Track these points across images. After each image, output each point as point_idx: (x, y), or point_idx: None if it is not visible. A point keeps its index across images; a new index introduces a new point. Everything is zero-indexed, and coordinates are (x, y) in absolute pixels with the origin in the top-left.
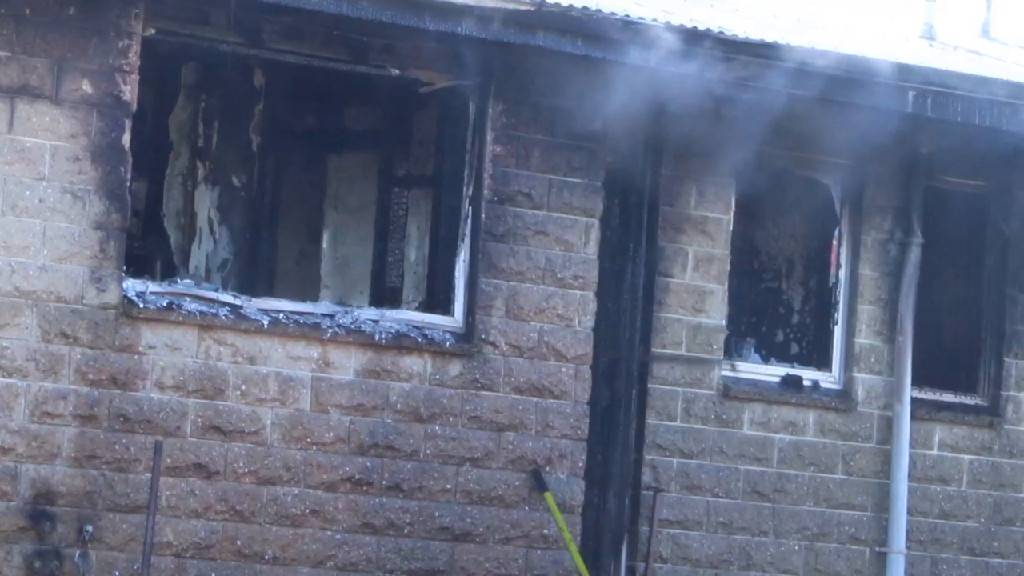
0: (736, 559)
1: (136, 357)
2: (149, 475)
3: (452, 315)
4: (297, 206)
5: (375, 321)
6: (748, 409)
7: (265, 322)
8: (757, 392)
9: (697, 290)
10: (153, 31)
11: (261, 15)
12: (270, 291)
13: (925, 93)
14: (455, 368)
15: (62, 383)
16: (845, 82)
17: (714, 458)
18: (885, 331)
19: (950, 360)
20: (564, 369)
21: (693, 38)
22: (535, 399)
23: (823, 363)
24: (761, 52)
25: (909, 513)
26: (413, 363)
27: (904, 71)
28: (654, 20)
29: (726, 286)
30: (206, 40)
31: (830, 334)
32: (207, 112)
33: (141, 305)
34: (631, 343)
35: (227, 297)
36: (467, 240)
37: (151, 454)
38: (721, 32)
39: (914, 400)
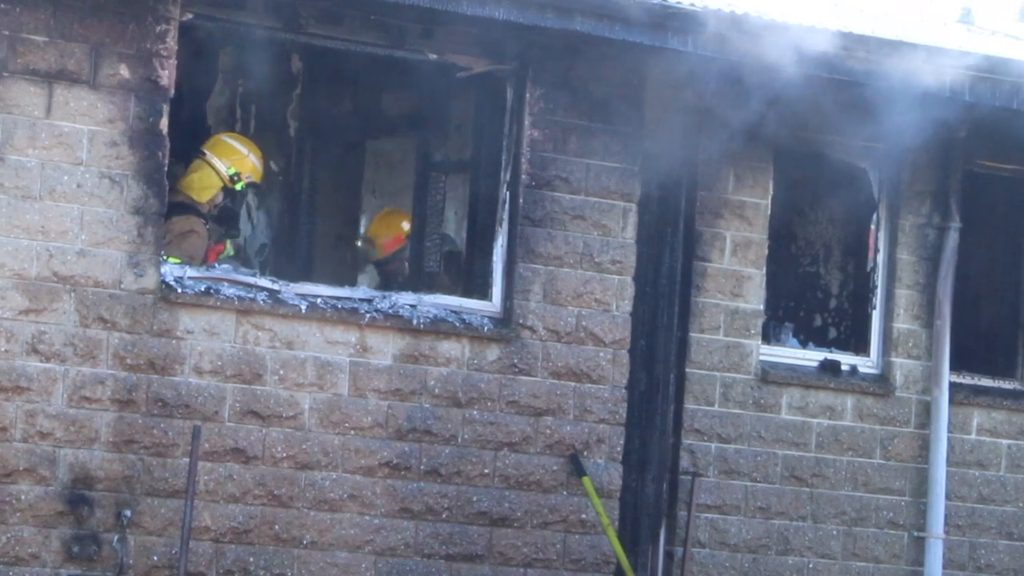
0: (774, 544)
1: (174, 342)
2: (187, 460)
3: (490, 300)
4: (335, 191)
5: (413, 306)
6: (786, 394)
7: (303, 307)
8: (795, 377)
9: (735, 275)
10: (191, 16)
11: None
12: (308, 276)
13: (963, 77)
14: (493, 353)
15: (100, 368)
16: (883, 66)
17: (752, 443)
18: (923, 316)
19: (988, 345)
20: (602, 354)
21: (731, 23)
22: (573, 384)
23: (861, 348)
24: (800, 36)
25: (947, 498)
26: (451, 348)
27: (942, 55)
28: (692, 5)
29: (764, 271)
30: (244, 25)
31: (868, 319)
32: (245, 97)
33: (179, 290)
34: (669, 328)
35: (265, 282)
36: (505, 225)
37: (189, 439)
38: (759, 16)
39: (952, 385)
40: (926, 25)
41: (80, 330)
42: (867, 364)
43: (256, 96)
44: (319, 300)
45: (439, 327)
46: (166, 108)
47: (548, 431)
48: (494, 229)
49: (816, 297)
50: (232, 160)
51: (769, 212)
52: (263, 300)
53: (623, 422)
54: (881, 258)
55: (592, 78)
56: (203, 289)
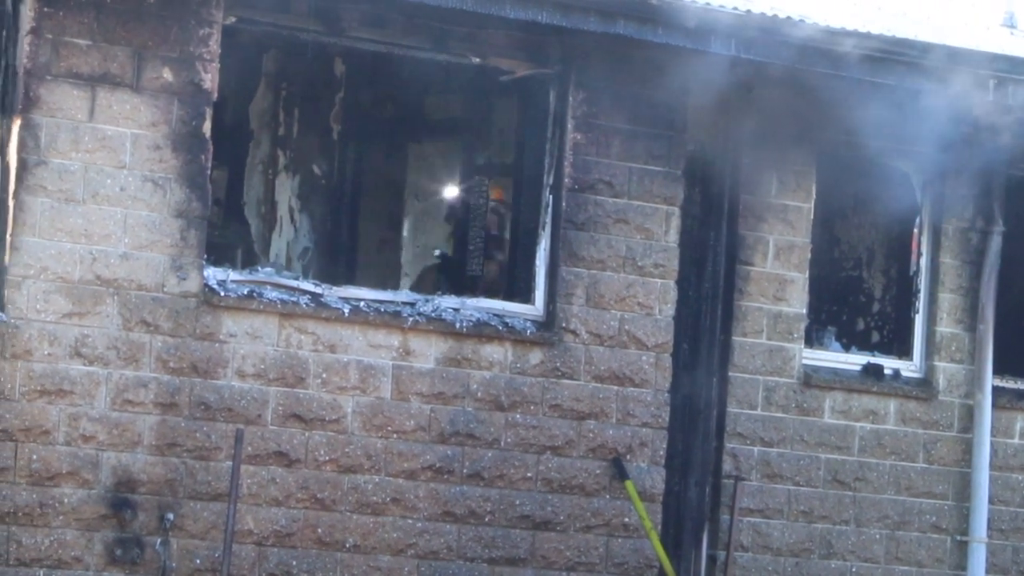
0: (817, 548)
1: (217, 345)
2: (230, 463)
3: (533, 303)
4: (377, 194)
5: (456, 309)
6: (829, 397)
7: (346, 310)
8: (838, 380)
9: (778, 278)
10: (234, 19)
11: (341, 3)
12: (350, 279)
13: (1006, 80)
14: (536, 356)
15: (143, 371)
16: (926, 70)
17: (795, 446)
18: (966, 319)
19: None
20: (645, 357)
21: (774, 27)
22: (616, 387)
23: (904, 351)
24: (841, 40)
25: (990, 502)
26: (494, 351)
27: (985, 59)
28: (734, 8)
29: (807, 274)
30: (286, 28)
31: (911, 322)
32: (288, 100)
33: (222, 293)
34: (711, 331)
35: (308, 285)
36: (548, 228)
37: (232, 442)
38: (802, 20)
39: (995, 389)
40: (969, 29)
41: (123, 333)
42: (910, 368)
43: (299, 99)
44: (362, 303)
45: (482, 331)
46: (209, 111)
47: (591, 435)
48: (537, 233)
49: (859, 301)
50: None
51: (812, 216)
52: (306, 303)
53: (666, 426)
54: (924, 262)
55: (635, 82)
56: (246, 292)
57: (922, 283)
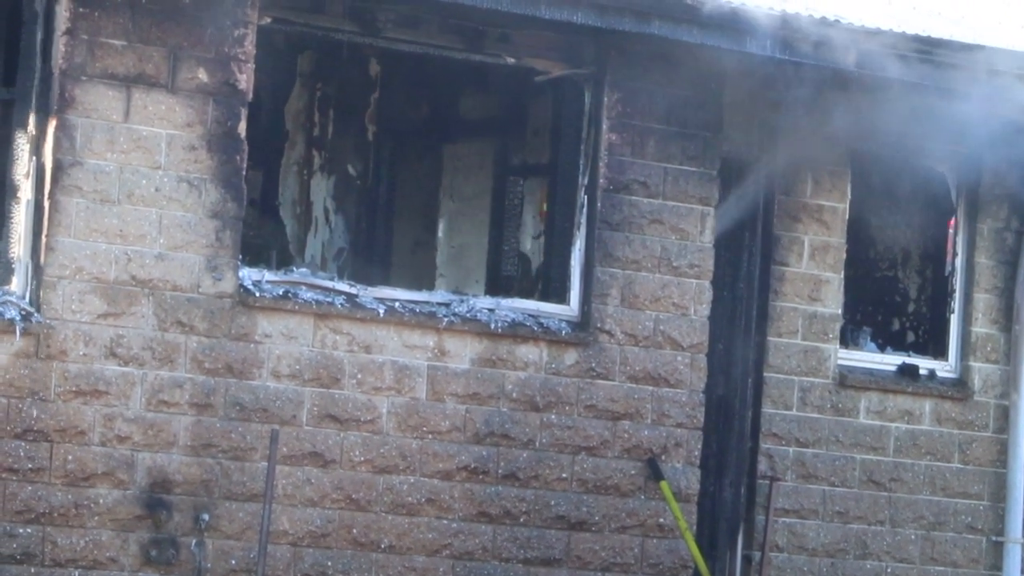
0: (852, 548)
1: (252, 346)
2: (265, 464)
3: (568, 304)
4: (412, 195)
5: (491, 310)
6: (864, 398)
7: (381, 311)
8: (873, 381)
9: (813, 279)
10: (269, 20)
11: (376, 3)
12: (386, 280)
13: None
14: (571, 357)
15: (178, 372)
16: (961, 70)
17: (830, 447)
18: (1001, 320)
19: None
20: (680, 358)
21: (809, 27)
22: (651, 388)
23: (939, 352)
24: (876, 39)
25: None
26: (529, 352)
27: (1021, 58)
28: (770, 8)
29: (842, 275)
30: (321, 29)
31: (946, 323)
32: (323, 101)
33: (257, 294)
34: (747, 332)
35: (343, 286)
36: (583, 229)
37: (267, 443)
38: (837, 19)
39: None
40: (1004, 28)
41: (158, 334)
42: (945, 368)
43: (334, 100)
44: (397, 304)
45: (517, 331)
46: (244, 112)
47: (626, 435)
48: (572, 233)
49: (894, 301)
50: None
51: (847, 216)
52: (341, 304)
53: (701, 426)
54: (959, 262)
55: (670, 82)
56: (281, 293)
57: (957, 283)
